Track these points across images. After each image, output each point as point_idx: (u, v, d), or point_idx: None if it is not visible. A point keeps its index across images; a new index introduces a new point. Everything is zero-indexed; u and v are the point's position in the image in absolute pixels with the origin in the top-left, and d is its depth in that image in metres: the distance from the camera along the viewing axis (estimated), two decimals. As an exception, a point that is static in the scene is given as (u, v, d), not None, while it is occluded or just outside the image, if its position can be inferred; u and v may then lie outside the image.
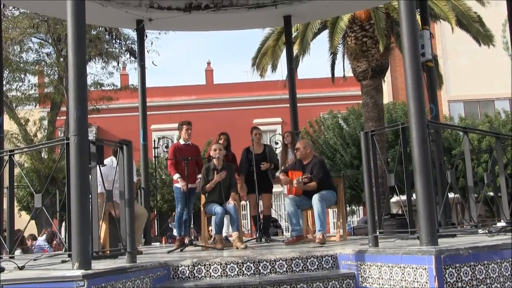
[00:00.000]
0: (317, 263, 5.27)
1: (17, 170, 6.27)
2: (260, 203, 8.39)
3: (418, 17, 7.40)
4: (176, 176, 7.81)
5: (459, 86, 26.55)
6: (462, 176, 7.96)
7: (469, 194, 6.27)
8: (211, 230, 10.72)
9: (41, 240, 12.59)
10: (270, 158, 8.43)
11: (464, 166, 6.40)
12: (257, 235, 8.34)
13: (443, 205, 6.19)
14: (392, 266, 4.69)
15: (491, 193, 7.37)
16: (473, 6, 15.57)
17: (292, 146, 8.39)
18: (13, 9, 16.69)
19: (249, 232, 13.78)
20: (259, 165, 8.18)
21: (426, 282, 4.32)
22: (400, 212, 14.16)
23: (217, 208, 7.16)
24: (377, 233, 5.43)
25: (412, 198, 5.52)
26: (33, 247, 11.85)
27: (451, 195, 6.82)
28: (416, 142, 4.91)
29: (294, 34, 14.88)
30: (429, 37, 8.21)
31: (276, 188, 8.83)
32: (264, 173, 8.29)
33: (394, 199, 19.38)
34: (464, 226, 7.66)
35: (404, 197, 5.72)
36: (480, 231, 6.44)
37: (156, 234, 16.93)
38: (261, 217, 8.44)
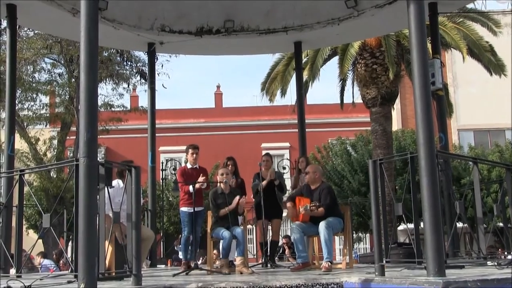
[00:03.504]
0: (322, 291, 5.22)
1: (26, 189, 6.32)
2: (269, 227, 8.39)
3: (429, 45, 7.44)
4: (191, 188, 7.56)
5: (469, 115, 26.53)
6: (471, 206, 7.92)
7: (478, 225, 6.23)
8: (216, 253, 10.68)
9: (48, 260, 12.59)
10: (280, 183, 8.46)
11: (473, 196, 6.37)
12: (263, 260, 8.31)
13: (451, 235, 6.16)
14: (398, 296, 4.64)
15: (501, 224, 7.32)
16: (485, 35, 15.61)
17: (306, 172, 8.39)
18: (28, 30, 16.95)
19: (255, 257, 13.73)
20: (268, 191, 8.19)
21: (433, 314, 4.27)
22: (407, 241, 14.04)
23: (225, 233, 7.13)
24: (384, 262, 5.39)
25: (419, 227, 5.49)
26: (40, 266, 11.86)
27: (459, 225, 6.78)
28: (425, 172, 4.90)
29: (304, 60, 14.97)
30: (440, 66, 8.22)
31: (283, 213, 8.82)
32: (273, 198, 8.30)
33: (402, 227, 19.23)
34: (473, 258, 7.59)
35: (411, 226, 5.69)
36: (489, 263, 6.37)
37: (162, 256, 16.87)
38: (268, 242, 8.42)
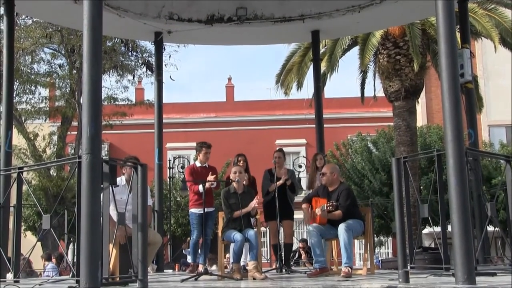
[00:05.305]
0: (342, 298, 5.22)
1: (24, 188, 6.37)
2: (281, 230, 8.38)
3: (457, 34, 7.39)
4: (200, 187, 7.69)
5: (501, 109, 26.25)
6: (503, 208, 7.86)
7: (511, 228, 6.18)
8: (228, 258, 10.72)
9: (51, 265, 12.71)
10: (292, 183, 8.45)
11: (506, 197, 6.32)
12: (277, 265, 8.32)
13: (482, 239, 6.11)
14: (424, 305, 4.63)
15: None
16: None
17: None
18: (26, 18, 17.06)
19: (269, 261, 13.73)
20: (279, 191, 8.18)
21: (462, 324, 4.26)
22: (433, 245, 13.96)
23: (237, 235, 7.13)
24: (408, 267, 5.37)
25: (447, 230, 5.46)
26: (44, 270, 11.98)
27: (490, 228, 6.74)
28: (453, 171, 4.88)
29: (322, 50, 14.92)
30: (469, 56, 8.17)
31: (297, 215, 8.82)
32: (284, 198, 8.29)
33: (427, 230, 19.14)
34: (505, 264, 7.53)
35: (438, 229, 5.66)
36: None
37: (169, 260, 16.94)
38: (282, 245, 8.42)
